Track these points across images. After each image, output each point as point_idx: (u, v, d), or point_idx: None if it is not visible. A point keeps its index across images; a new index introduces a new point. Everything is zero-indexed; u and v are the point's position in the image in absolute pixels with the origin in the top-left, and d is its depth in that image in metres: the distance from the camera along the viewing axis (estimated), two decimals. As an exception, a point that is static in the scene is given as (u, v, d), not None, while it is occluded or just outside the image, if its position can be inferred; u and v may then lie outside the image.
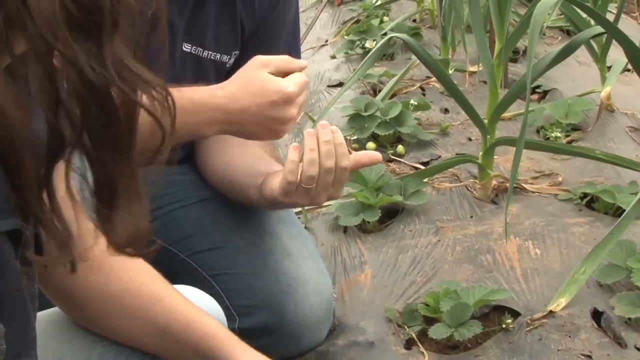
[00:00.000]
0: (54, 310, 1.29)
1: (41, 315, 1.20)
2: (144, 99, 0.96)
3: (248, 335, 1.66)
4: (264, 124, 1.52)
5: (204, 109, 1.51)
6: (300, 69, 1.52)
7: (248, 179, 1.63)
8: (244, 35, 1.72)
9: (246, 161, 1.66)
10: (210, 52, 1.70)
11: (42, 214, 0.95)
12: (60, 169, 0.96)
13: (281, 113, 1.50)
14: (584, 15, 2.51)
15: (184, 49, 1.67)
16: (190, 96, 1.50)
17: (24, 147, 0.89)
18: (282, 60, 1.53)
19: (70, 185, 0.97)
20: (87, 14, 0.87)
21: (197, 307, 1.30)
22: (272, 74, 1.50)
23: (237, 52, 1.73)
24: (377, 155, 1.58)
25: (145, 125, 0.97)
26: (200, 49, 1.68)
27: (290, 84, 1.49)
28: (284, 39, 1.78)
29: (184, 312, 1.28)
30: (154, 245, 1.11)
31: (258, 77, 1.50)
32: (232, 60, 1.73)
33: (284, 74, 1.51)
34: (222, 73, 1.72)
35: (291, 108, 1.50)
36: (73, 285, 1.23)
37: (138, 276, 1.27)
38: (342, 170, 1.50)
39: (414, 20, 3.65)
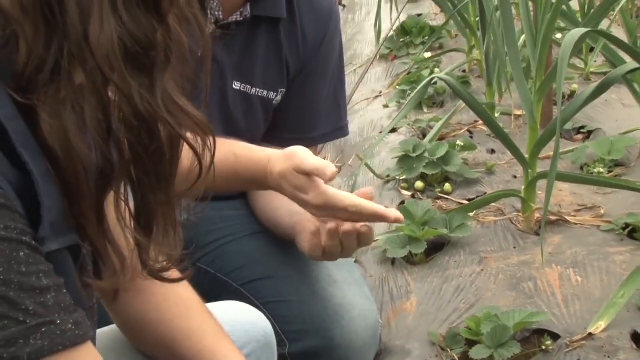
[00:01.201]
0: (113, 326, 1.29)
1: (101, 331, 1.22)
2: (188, 134, 0.98)
3: (298, 358, 1.67)
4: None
5: (254, 173, 1.54)
6: (328, 179, 1.47)
7: (286, 218, 1.63)
8: (290, 74, 1.75)
9: (285, 201, 1.61)
10: (258, 90, 1.72)
11: (98, 242, 0.98)
12: (110, 199, 0.99)
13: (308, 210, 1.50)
14: (628, 60, 2.49)
15: (234, 87, 1.70)
16: (244, 165, 1.54)
17: (85, 175, 0.92)
18: (315, 169, 1.47)
19: (121, 214, 0.99)
20: (142, 49, 0.90)
21: (223, 344, 1.25)
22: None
23: (284, 89, 1.75)
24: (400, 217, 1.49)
25: (185, 160, 1.00)
26: (248, 87, 1.71)
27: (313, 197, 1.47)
28: (328, 81, 1.80)
29: (209, 351, 1.24)
30: (185, 273, 1.13)
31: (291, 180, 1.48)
32: (279, 97, 1.75)
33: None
34: (270, 109, 1.75)
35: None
36: (117, 305, 1.24)
37: (175, 306, 1.25)
38: (365, 240, 1.48)
39: (464, 71, 3.65)
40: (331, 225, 1.44)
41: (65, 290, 0.91)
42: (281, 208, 1.65)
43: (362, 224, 1.45)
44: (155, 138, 0.94)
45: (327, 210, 1.46)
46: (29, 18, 0.87)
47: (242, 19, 1.65)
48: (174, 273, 1.10)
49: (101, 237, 0.97)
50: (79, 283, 0.97)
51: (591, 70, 3.33)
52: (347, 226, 1.44)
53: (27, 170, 0.88)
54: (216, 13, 1.62)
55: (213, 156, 1.02)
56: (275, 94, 1.74)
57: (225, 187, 1.55)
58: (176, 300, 1.25)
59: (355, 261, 2.15)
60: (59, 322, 0.88)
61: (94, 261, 1.01)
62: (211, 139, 1.01)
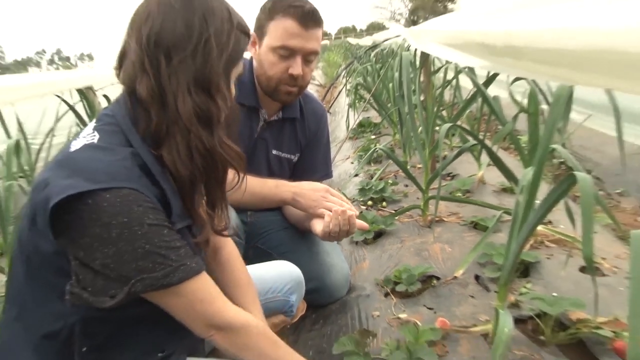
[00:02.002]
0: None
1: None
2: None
3: (307, 292, 1.65)
4: (313, 198, 1.51)
5: (285, 188, 1.55)
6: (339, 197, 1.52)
7: (304, 218, 1.63)
8: (301, 146, 1.75)
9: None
10: (285, 154, 1.72)
11: (196, 220, 0.97)
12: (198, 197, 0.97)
13: (323, 195, 1.50)
14: (471, 139, 2.48)
15: (272, 152, 1.70)
16: (282, 182, 1.55)
17: (186, 185, 0.91)
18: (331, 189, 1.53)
19: (202, 202, 0.97)
20: (207, 114, 0.89)
21: (250, 292, 1.15)
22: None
23: (298, 154, 1.75)
24: (367, 225, 1.51)
25: (230, 174, 0.98)
26: (280, 152, 1.71)
27: (331, 189, 1.51)
28: (320, 152, 1.80)
29: (250, 296, 1.18)
30: (232, 233, 1.09)
31: (318, 183, 1.53)
32: (295, 158, 1.75)
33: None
34: (291, 165, 1.75)
35: (328, 194, 1.49)
36: (213, 271, 1.19)
37: (234, 273, 1.17)
38: (352, 229, 1.46)
39: (391, 145, 3.64)
40: (335, 209, 1.43)
41: (188, 247, 0.90)
42: (301, 214, 1.64)
43: (350, 212, 1.43)
44: (215, 162, 0.93)
45: (328, 193, 1.47)
46: (156, 102, 0.87)
47: (277, 118, 1.67)
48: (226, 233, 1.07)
49: (197, 217, 0.96)
50: (192, 243, 0.96)
51: (453, 145, 3.33)
52: (341, 209, 1.43)
53: (162, 188, 0.88)
54: (265, 116, 1.63)
55: (245, 172, 0.99)
56: (294, 156, 1.75)
57: (268, 197, 1.53)
58: (235, 269, 1.18)
59: (338, 243, 2.13)
60: (188, 262, 0.88)
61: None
62: (244, 164, 0.97)
